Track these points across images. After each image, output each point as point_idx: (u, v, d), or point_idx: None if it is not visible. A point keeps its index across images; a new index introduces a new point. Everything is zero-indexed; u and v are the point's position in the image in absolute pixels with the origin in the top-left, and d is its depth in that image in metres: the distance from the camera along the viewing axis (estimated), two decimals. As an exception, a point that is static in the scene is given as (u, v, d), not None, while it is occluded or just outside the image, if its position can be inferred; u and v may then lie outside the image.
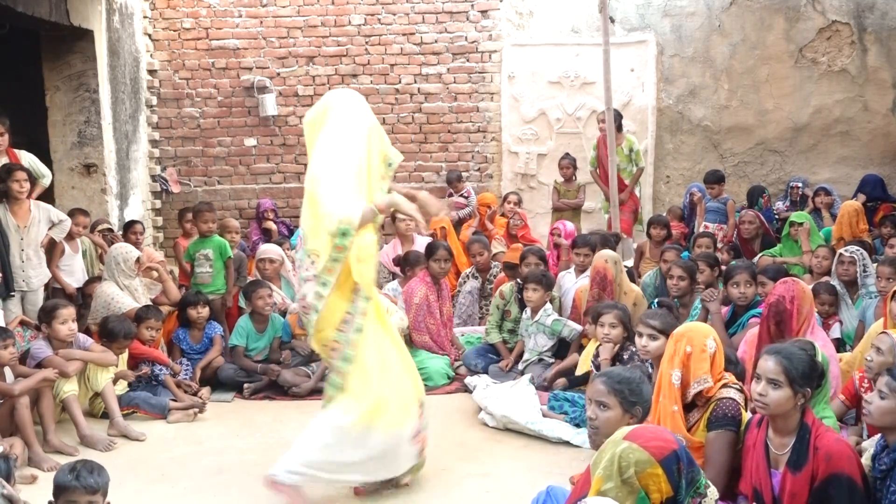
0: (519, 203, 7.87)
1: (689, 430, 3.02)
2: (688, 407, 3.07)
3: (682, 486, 2.11)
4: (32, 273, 5.24)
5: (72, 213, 5.97)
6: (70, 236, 5.83)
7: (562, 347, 5.27)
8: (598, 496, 2.09)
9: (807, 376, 2.72)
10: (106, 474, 2.73)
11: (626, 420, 2.68)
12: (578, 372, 4.91)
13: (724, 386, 3.04)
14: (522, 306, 5.53)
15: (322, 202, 3.28)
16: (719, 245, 7.10)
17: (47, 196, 6.63)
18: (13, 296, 5.13)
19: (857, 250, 5.42)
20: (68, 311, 4.47)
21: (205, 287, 5.88)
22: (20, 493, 3.01)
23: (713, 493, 2.21)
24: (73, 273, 5.87)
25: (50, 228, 5.47)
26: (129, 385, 4.94)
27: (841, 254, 5.46)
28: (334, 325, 3.40)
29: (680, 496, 2.11)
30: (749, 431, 2.88)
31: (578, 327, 5.14)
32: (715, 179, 7.64)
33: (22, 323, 4.97)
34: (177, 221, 8.83)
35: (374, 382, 3.42)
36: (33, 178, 5.88)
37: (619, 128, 7.50)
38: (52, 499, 2.70)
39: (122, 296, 5.26)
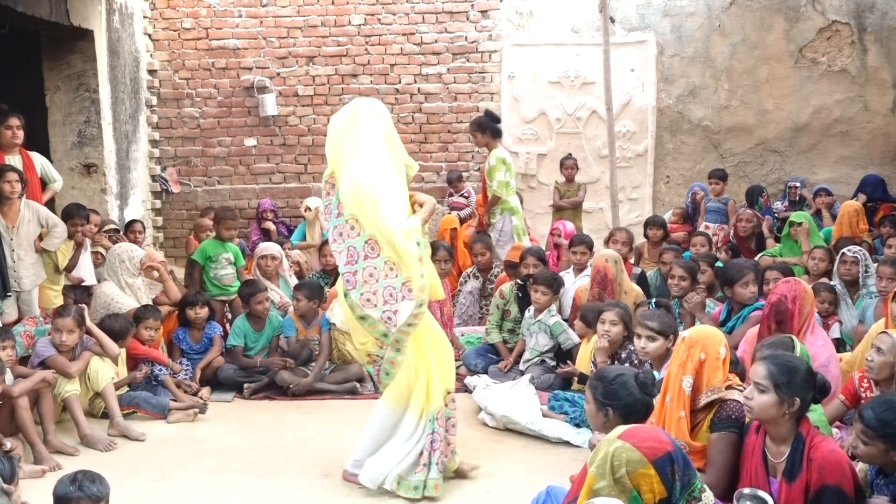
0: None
1: (692, 430, 3.01)
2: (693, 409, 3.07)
3: (677, 489, 2.11)
4: (24, 273, 5.19)
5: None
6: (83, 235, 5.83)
7: (563, 349, 5.27)
8: (593, 495, 2.09)
9: (798, 385, 2.68)
10: (106, 483, 2.69)
11: (601, 417, 2.78)
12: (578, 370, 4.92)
13: (729, 388, 3.04)
14: (522, 306, 5.53)
15: (386, 223, 3.51)
16: (718, 245, 7.10)
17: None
18: (9, 296, 5.12)
19: (860, 250, 5.42)
20: (64, 322, 4.46)
21: (230, 288, 5.94)
22: (23, 492, 3.01)
23: (708, 497, 2.21)
24: (80, 273, 5.88)
25: (42, 230, 5.38)
26: (129, 385, 4.95)
27: (843, 253, 5.45)
28: (373, 342, 3.64)
29: (674, 498, 2.11)
30: (748, 436, 2.87)
31: (576, 339, 5.14)
32: (719, 175, 7.67)
33: (15, 323, 4.96)
34: (179, 222, 8.87)
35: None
36: (45, 182, 5.88)
37: (493, 134, 6.93)
38: None
39: (121, 296, 5.25)
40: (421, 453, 3.63)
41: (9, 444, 3.80)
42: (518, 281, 5.64)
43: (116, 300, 5.19)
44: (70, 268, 5.44)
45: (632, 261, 6.59)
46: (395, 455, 3.64)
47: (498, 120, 7.14)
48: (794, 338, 3.43)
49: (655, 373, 3.56)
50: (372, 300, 3.55)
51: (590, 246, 5.91)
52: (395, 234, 3.49)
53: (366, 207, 3.52)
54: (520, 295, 5.57)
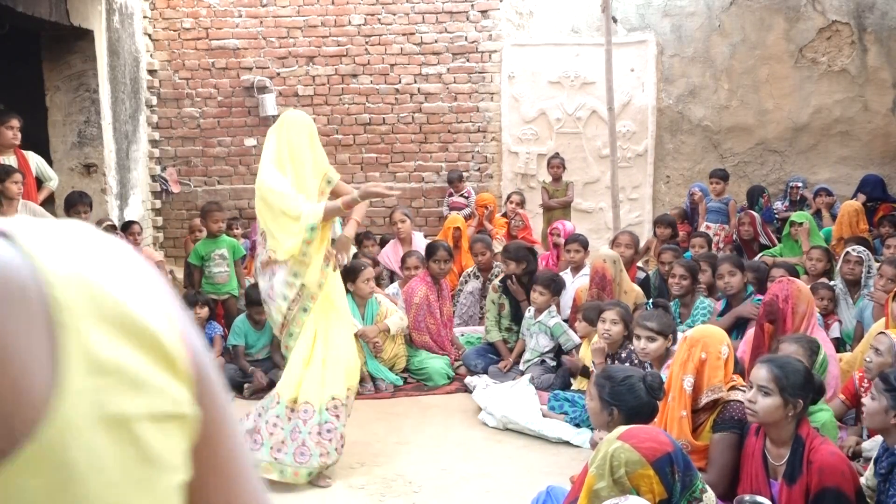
0: (522, 203, 7.86)
1: (695, 430, 3.01)
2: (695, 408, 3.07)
3: (677, 489, 2.11)
4: None
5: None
6: None
7: (563, 349, 5.27)
8: (594, 495, 2.10)
9: (799, 387, 2.70)
10: None
11: (605, 416, 2.78)
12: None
13: (733, 388, 3.04)
14: (511, 299, 5.54)
15: (285, 208, 3.71)
16: (720, 245, 7.11)
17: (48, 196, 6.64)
18: None
19: (864, 250, 5.43)
20: None
21: (223, 287, 5.91)
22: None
23: (710, 497, 2.22)
24: None
25: None
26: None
27: (848, 252, 5.45)
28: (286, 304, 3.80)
29: (674, 499, 2.11)
30: (748, 438, 2.87)
31: (577, 339, 5.13)
32: (720, 175, 7.67)
33: None
34: (179, 222, 8.87)
35: (296, 366, 3.79)
36: (40, 181, 5.89)
37: None
38: None
39: None
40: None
41: None
42: (510, 279, 5.67)
43: None
44: None
45: (639, 264, 6.61)
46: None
47: None
48: (819, 341, 3.44)
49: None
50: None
51: (584, 244, 5.94)
52: (297, 216, 3.68)
53: (258, 199, 3.84)
54: (504, 287, 5.58)
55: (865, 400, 2.79)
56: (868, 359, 3.47)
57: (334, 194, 3.92)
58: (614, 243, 6.09)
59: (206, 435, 0.54)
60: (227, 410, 0.57)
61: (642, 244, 7.22)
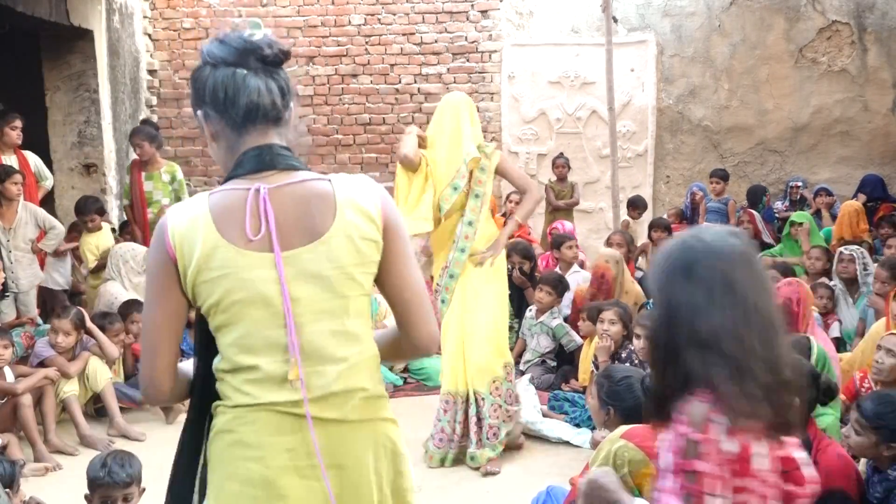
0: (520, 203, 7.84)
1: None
2: None
3: (679, 490, 2.11)
4: (22, 274, 5.22)
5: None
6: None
7: (564, 350, 5.26)
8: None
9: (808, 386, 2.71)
10: (137, 462, 2.75)
11: (603, 415, 2.81)
12: (579, 372, 4.93)
13: None
14: (512, 296, 5.54)
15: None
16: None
17: (48, 196, 6.64)
18: (7, 296, 5.14)
19: (857, 248, 5.44)
20: (61, 324, 4.44)
21: None
22: (26, 494, 3.04)
23: None
24: (63, 274, 5.91)
25: (42, 233, 5.43)
26: (128, 381, 4.95)
27: (841, 252, 5.46)
28: (437, 271, 4.01)
29: (675, 499, 2.11)
30: None
31: (579, 340, 5.12)
32: (720, 175, 7.68)
33: (14, 326, 4.97)
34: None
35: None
36: (36, 181, 5.91)
37: (159, 145, 6.37)
38: (87, 492, 2.71)
39: (126, 295, 5.26)
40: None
41: (0, 440, 3.83)
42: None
43: (121, 299, 5.20)
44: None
45: (637, 263, 6.60)
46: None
47: (157, 127, 6.94)
48: (812, 338, 3.43)
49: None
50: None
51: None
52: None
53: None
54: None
55: (847, 430, 2.73)
56: (879, 360, 3.40)
57: (501, 174, 4.08)
58: (608, 243, 6.08)
59: (390, 247, 1.57)
60: (403, 239, 1.60)
61: (639, 244, 7.23)
